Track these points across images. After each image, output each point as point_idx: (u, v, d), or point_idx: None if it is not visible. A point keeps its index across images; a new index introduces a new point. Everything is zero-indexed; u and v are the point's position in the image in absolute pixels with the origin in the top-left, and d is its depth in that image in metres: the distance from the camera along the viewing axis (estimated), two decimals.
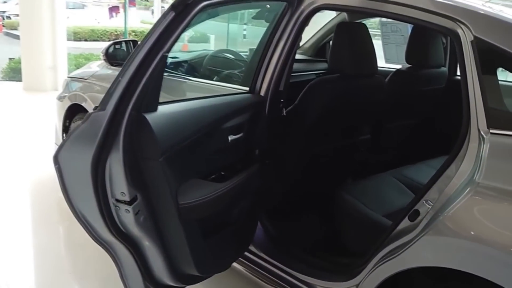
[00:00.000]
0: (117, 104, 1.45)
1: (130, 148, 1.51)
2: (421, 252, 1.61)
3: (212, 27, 11.05)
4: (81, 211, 1.64)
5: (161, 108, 1.63)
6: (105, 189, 1.57)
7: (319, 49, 4.33)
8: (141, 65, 1.47)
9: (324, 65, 4.20)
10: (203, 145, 1.86)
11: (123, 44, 3.23)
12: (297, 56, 3.59)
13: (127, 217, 1.63)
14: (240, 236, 2.31)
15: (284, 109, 2.48)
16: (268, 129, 2.37)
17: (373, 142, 3.10)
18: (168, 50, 1.54)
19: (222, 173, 2.06)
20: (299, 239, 2.65)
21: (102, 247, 1.75)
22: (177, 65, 3.37)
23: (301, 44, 3.94)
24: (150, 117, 1.53)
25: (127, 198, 1.57)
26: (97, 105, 1.52)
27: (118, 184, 1.55)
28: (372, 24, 5.99)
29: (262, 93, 2.32)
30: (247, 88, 2.33)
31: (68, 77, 4.08)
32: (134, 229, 1.67)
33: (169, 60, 3.48)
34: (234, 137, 2.03)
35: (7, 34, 17.86)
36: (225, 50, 4.31)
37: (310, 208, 2.90)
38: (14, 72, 9.54)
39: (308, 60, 4.34)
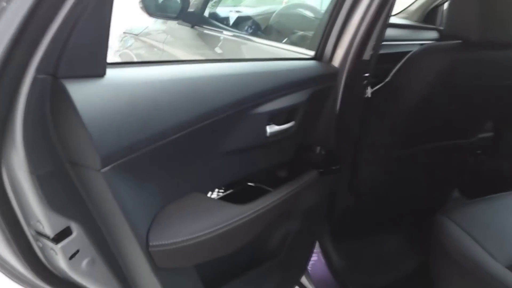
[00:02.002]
0: (3, 58, 0.73)
1: (41, 144, 0.79)
2: None
3: None
4: None
5: (117, 73, 0.89)
6: (11, 211, 0.87)
7: (428, 13, 3.35)
8: None
9: (432, 35, 3.25)
10: (213, 142, 1.11)
11: None
12: (397, 21, 2.74)
13: (58, 261, 0.93)
14: (284, 271, 1.55)
15: (369, 88, 1.66)
16: (341, 117, 1.57)
17: (496, 143, 2.19)
18: None
19: (250, 184, 1.31)
20: (374, 271, 1.86)
21: None
22: (238, 22, 2.63)
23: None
24: (80, 87, 0.79)
25: (48, 232, 0.87)
26: None
27: (27, 206, 0.85)
28: None
29: (336, 63, 1.51)
30: (312, 53, 1.53)
31: None
32: (76, 278, 0.98)
33: (226, 15, 2.77)
34: (277, 128, 1.26)
35: None
36: (300, 4, 3.45)
37: (393, 231, 2.08)
38: None
39: (411, 26, 3.39)
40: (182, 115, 0.95)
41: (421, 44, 3.06)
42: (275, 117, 1.26)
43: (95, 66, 0.81)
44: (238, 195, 1.27)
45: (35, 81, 0.73)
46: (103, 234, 0.97)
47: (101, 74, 0.82)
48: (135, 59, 3.11)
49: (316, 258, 1.84)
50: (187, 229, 1.01)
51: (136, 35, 3.23)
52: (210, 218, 1.06)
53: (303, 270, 1.70)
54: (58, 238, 0.89)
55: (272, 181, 1.35)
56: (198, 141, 1.05)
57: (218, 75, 1.08)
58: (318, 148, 1.52)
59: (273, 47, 2.07)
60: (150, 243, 0.96)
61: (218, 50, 2.48)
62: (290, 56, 1.75)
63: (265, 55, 2.03)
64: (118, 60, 3.27)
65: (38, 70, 0.73)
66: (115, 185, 0.85)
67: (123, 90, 0.85)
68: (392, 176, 1.88)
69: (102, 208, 0.91)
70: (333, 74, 1.47)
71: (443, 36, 3.03)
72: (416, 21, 3.43)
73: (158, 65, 1.01)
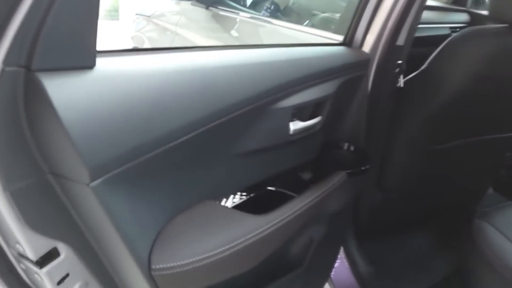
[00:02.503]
0: None
1: (15, 153, 0.64)
2: None
3: None
4: None
5: (110, 63, 0.72)
6: None
7: None
8: None
9: (463, 17, 3.02)
10: (228, 143, 0.95)
11: None
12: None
13: (45, 286, 0.78)
14: (306, 281, 1.40)
15: (401, 77, 1.49)
16: (371, 109, 1.40)
17: None
18: None
19: (270, 189, 1.15)
20: (403, 277, 1.71)
21: None
22: (255, 2, 2.45)
23: None
24: (61, 82, 0.62)
25: (30, 255, 0.72)
26: None
27: (4, 226, 0.70)
28: None
29: (367, 48, 1.34)
30: (341, 38, 1.36)
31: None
32: None
33: None
34: (301, 125, 1.10)
35: None
36: None
37: (422, 231, 1.92)
38: None
39: (440, 7, 3.17)
40: (192, 113, 0.79)
41: (451, 28, 2.87)
42: (300, 112, 1.09)
43: (81, 55, 0.64)
44: (256, 201, 1.11)
45: (3, 74, 0.57)
46: (98, 255, 0.82)
47: (90, 65, 0.66)
48: (147, 43, 2.95)
49: (339, 263, 1.69)
50: (197, 248, 0.86)
51: (149, 16, 3.06)
52: (224, 233, 0.91)
53: (326, 278, 1.55)
54: (43, 261, 0.74)
55: (294, 184, 1.20)
56: (211, 143, 0.89)
57: (234, 64, 0.91)
58: (346, 145, 1.35)
59: (295, 30, 1.89)
60: (153, 266, 0.81)
61: (234, 33, 2.31)
62: (314, 41, 1.57)
63: (285, 39, 1.86)
64: (130, 45, 3.12)
65: (6, 61, 0.57)
66: (108, 200, 0.69)
67: (118, 84, 0.69)
68: (424, 172, 1.71)
69: (94, 227, 0.76)
70: (365, 61, 1.30)
71: (474, 19, 2.80)
72: (445, 3, 3.22)
73: (163, 52, 0.84)
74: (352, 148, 1.35)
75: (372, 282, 1.71)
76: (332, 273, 1.63)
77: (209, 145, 0.89)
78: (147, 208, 0.79)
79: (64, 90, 0.61)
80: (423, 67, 1.53)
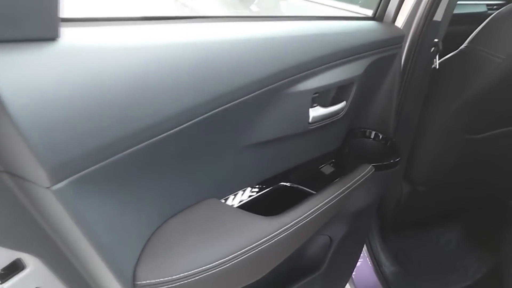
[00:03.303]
0: None
1: None
2: None
3: None
4: None
5: (80, 35, 0.56)
6: None
7: None
8: None
9: None
10: (234, 133, 0.80)
11: None
12: None
13: None
14: (326, 283, 1.26)
15: (437, 57, 1.32)
16: (403, 93, 1.25)
17: None
18: None
19: (284, 184, 1.00)
20: (432, 277, 1.57)
21: None
22: None
23: None
24: (8, 58, 0.47)
25: None
26: None
27: None
28: None
29: (399, 23, 1.18)
30: (369, 12, 1.19)
31: None
32: None
33: None
34: (323, 111, 0.94)
35: None
36: None
37: (453, 226, 1.76)
38: None
39: None
40: (186, 98, 0.64)
41: (488, 5, 2.65)
42: (322, 97, 0.94)
43: (40, 24, 0.50)
44: (268, 199, 0.96)
45: None
46: (75, 268, 0.68)
47: (51, 36, 0.52)
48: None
49: (361, 261, 1.54)
50: (192, 259, 0.72)
51: None
52: (227, 240, 0.77)
53: (347, 280, 1.41)
54: (3, 275, 0.61)
55: (313, 179, 1.05)
56: (213, 134, 0.74)
57: (243, 38, 0.76)
58: (373, 134, 1.19)
59: (318, 3, 1.72)
60: (137, 282, 0.67)
61: (254, 8, 2.15)
62: (338, 14, 1.41)
63: (304, 12, 1.69)
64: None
65: None
66: (77, 207, 0.56)
67: (87, 61, 0.54)
68: (456, 164, 1.54)
69: (65, 237, 0.62)
70: (399, 38, 1.13)
71: None
72: None
73: (150, 22, 0.69)
74: (380, 137, 1.19)
75: (396, 282, 1.57)
76: (354, 272, 1.49)
77: (210, 136, 0.74)
78: (130, 214, 0.66)
79: (14, 69, 0.47)
80: (462, 47, 1.35)
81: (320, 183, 1.00)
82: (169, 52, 0.63)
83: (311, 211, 0.90)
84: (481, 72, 1.30)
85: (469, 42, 1.33)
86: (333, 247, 1.16)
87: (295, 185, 1.00)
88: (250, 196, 0.93)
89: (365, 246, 1.56)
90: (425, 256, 1.78)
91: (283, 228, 0.83)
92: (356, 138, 1.17)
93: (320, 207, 0.93)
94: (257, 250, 0.79)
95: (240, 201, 0.91)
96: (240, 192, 0.92)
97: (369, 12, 1.19)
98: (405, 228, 1.83)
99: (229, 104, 0.72)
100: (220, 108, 0.71)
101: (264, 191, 0.95)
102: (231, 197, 0.91)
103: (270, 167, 0.94)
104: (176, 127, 0.64)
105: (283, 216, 0.86)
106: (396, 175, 1.52)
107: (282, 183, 0.99)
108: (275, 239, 0.82)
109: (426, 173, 1.54)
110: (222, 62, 0.70)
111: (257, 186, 0.95)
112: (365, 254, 1.56)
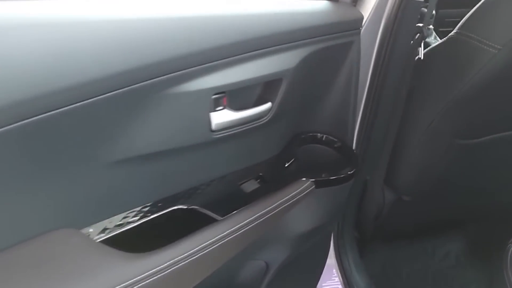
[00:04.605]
0: None
1: None
2: None
3: None
4: None
5: None
6: None
7: None
8: None
9: None
10: (90, 143, 0.61)
11: None
12: None
13: None
14: None
15: (422, 46, 1.08)
16: (378, 88, 1.04)
17: None
18: None
19: (181, 207, 0.80)
20: None
21: None
22: None
23: None
24: None
25: None
26: None
27: None
28: None
29: (370, 2, 0.97)
30: None
31: None
32: None
33: None
34: (235, 115, 0.74)
35: None
36: None
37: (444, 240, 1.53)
38: None
39: None
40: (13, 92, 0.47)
41: None
42: (236, 97, 0.74)
43: None
44: (160, 227, 0.77)
45: None
46: None
47: None
48: None
49: (333, 283, 1.34)
50: None
51: None
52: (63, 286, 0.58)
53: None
54: None
55: (229, 199, 0.85)
56: (60, 141, 0.56)
57: (100, 20, 0.57)
58: (325, 138, 0.98)
59: None
60: None
61: None
62: None
63: None
64: None
65: None
66: None
67: None
68: (448, 170, 1.30)
69: None
70: (356, 22, 0.91)
71: None
72: None
73: None
74: (334, 142, 0.98)
75: None
76: None
77: (55, 146, 0.56)
78: None
79: None
80: (451, 34, 1.11)
81: (236, 204, 0.80)
82: None
83: (204, 244, 0.70)
84: (473, 64, 1.05)
85: (459, 28, 1.09)
86: (269, 274, 0.96)
87: (198, 208, 0.80)
88: (130, 222, 0.74)
89: (336, 264, 1.35)
90: (416, 271, 1.57)
91: (153, 270, 0.64)
92: (302, 144, 0.96)
93: (224, 236, 0.73)
94: None
95: (108, 232, 0.71)
96: (117, 218, 0.72)
97: None
98: (397, 237, 1.62)
99: (80, 102, 0.54)
100: (62, 109, 0.53)
101: (150, 217, 0.76)
102: (102, 225, 0.72)
103: (161, 187, 0.75)
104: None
105: (160, 253, 0.67)
106: (375, 182, 1.30)
107: (178, 206, 0.79)
108: (142, 284, 0.63)
109: (412, 181, 1.32)
110: (63, 49, 0.52)
111: (144, 210, 0.75)
112: (337, 274, 1.36)
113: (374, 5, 1.02)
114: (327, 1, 0.90)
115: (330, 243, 1.29)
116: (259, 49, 0.74)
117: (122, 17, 0.61)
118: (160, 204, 0.75)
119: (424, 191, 1.34)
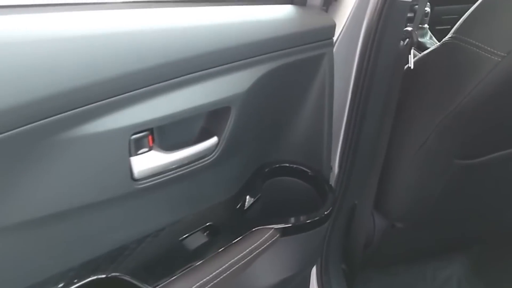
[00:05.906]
0: None
1: None
2: None
3: None
4: None
5: None
6: None
7: None
8: None
9: None
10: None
11: None
12: None
13: None
14: None
15: (412, 53, 0.93)
16: (362, 102, 0.88)
17: None
18: None
19: (100, 277, 0.63)
20: None
21: None
22: None
23: None
24: None
25: None
26: None
27: None
28: None
29: (348, 4, 0.81)
30: None
31: None
32: None
33: None
34: (167, 158, 0.58)
35: None
36: None
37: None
38: None
39: None
40: None
41: None
42: (165, 133, 0.58)
43: None
44: None
45: None
46: None
47: None
48: None
49: None
50: None
51: None
52: None
53: None
54: None
55: (166, 258, 0.68)
56: None
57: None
58: (293, 168, 0.81)
59: None
60: None
61: None
62: None
63: None
64: None
65: None
66: None
67: None
68: (445, 193, 1.13)
69: None
70: (327, 31, 0.74)
71: None
72: None
73: None
74: (302, 172, 0.81)
75: None
76: None
77: None
78: None
79: None
80: (445, 39, 0.94)
81: (178, 264, 0.64)
82: None
83: None
84: (473, 74, 0.89)
85: (455, 32, 0.92)
86: None
87: (120, 276, 0.63)
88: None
89: None
90: None
91: None
92: (268, 178, 0.79)
93: None
94: None
95: None
96: None
97: None
98: (393, 263, 1.45)
99: None
100: None
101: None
102: None
103: (74, 251, 0.58)
104: None
105: None
106: (364, 207, 1.13)
107: (94, 277, 0.62)
108: None
109: (405, 206, 1.15)
110: None
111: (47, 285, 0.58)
112: None
113: (352, 9, 0.85)
114: (290, 6, 0.73)
115: (308, 285, 1.12)
116: (198, 71, 0.58)
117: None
118: (71, 274, 0.58)
119: (419, 217, 1.18)
